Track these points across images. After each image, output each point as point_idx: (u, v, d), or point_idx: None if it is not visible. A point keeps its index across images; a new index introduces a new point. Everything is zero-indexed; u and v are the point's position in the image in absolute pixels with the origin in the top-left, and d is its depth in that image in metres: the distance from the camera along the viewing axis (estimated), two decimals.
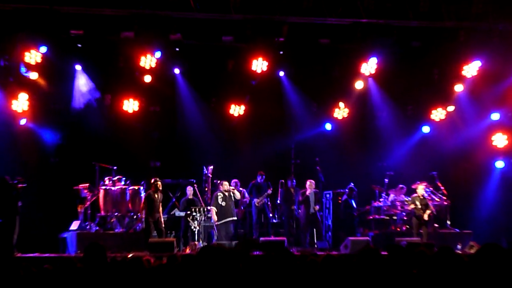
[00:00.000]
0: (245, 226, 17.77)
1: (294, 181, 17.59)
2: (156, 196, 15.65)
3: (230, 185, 16.69)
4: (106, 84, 18.40)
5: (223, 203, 16.14)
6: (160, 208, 15.79)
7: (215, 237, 16.31)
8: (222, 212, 16.03)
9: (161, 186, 15.77)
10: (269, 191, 17.43)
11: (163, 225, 15.83)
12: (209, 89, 19.22)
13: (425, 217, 16.97)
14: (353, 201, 18.61)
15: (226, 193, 16.27)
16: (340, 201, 18.61)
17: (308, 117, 19.68)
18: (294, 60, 18.40)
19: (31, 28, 16.01)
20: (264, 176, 17.63)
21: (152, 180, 15.83)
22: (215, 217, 15.97)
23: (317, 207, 17.31)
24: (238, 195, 16.30)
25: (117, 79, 18.10)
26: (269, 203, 17.98)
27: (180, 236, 16.67)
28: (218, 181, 16.43)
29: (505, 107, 18.95)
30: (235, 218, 16.20)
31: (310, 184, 17.53)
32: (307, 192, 17.48)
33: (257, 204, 17.44)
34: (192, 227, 15.76)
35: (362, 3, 16.54)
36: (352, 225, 18.27)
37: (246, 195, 17.61)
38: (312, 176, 18.09)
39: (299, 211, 17.73)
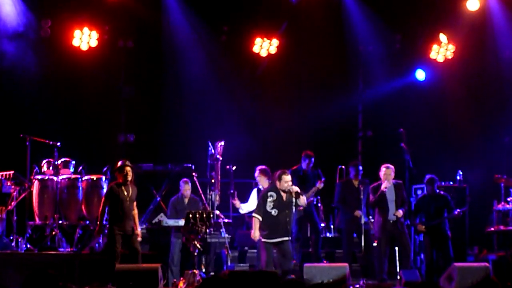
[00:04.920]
0: None
1: (361, 167, 14.87)
2: (125, 191, 13.25)
3: (259, 175, 14.24)
4: (43, 2, 16.21)
5: (275, 211, 13.37)
6: (135, 213, 13.50)
7: (228, 261, 14.50)
8: (272, 227, 13.36)
9: (132, 173, 13.35)
10: (320, 184, 14.75)
11: (139, 241, 13.67)
12: (218, 12, 17.06)
13: None
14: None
15: (284, 195, 13.48)
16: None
17: (386, 60, 17.74)
18: None
19: None
20: (313, 159, 15.11)
21: (119, 164, 13.46)
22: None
23: (400, 212, 14.19)
24: (303, 201, 13.81)
25: None
26: (319, 204, 15.69)
27: (169, 260, 14.56)
28: (278, 173, 13.55)
29: None
30: (288, 238, 13.70)
31: (386, 172, 14.50)
32: (383, 186, 14.41)
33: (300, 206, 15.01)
34: (191, 247, 13.59)
35: None
36: (461, 241, 15.99)
37: None
38: (392, 158, 15.13)
39: (371, 218, 14.82)
